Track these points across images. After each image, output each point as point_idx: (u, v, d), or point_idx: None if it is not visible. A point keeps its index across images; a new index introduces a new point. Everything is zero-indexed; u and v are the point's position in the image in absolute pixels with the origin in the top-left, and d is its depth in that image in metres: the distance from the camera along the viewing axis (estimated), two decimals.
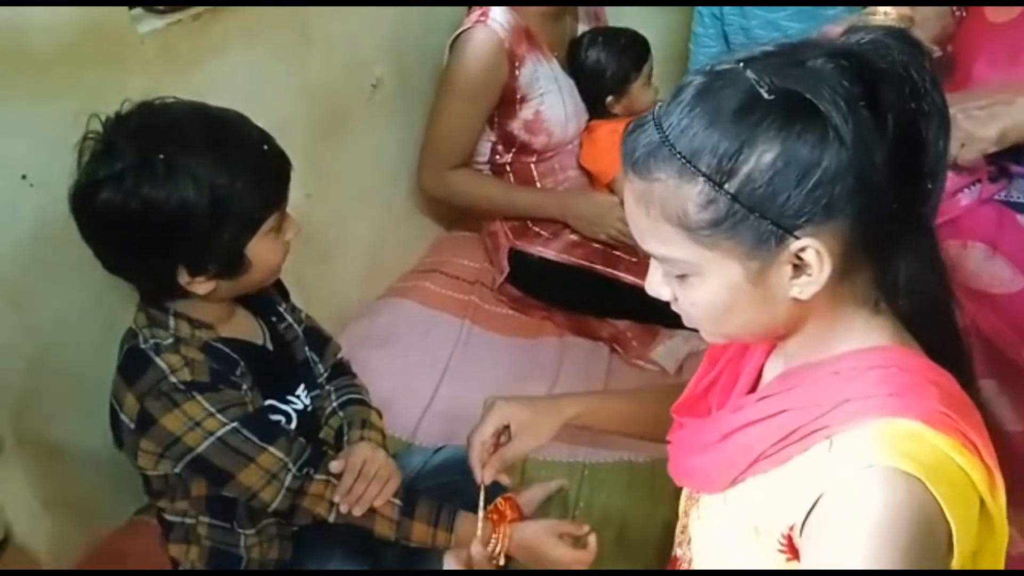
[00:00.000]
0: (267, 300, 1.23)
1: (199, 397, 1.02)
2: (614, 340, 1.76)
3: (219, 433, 1.02)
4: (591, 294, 1.80)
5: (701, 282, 0.75)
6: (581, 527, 1.14)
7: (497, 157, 1.87)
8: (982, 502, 0.73)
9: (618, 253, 1.82)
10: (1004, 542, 0.77)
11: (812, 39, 0.74)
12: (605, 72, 1.84)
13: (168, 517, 1.15)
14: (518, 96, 1.77)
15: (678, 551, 1.00)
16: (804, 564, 0.73)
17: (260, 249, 1.05)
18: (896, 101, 0.69)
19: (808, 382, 0.78)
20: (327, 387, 1.26)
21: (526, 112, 1.78)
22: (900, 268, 0.76)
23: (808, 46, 0.71)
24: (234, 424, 1.03)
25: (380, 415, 1.28)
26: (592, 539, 1.12)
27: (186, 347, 1.06)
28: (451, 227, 2.09)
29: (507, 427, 1.11)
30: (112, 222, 0.97)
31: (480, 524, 1.10)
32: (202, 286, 1.04)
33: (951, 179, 1.27)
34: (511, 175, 1.88)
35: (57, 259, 1.17)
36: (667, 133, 0.72)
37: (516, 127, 1.81)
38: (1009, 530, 0.94)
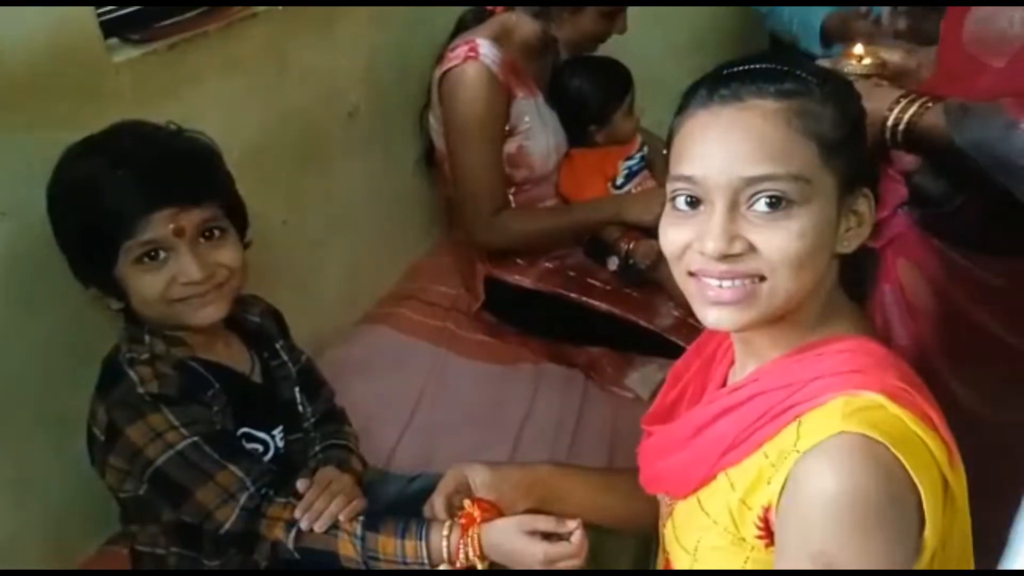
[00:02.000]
0: (262, 332, 1.23)
1: (164, 409, 1.03)
2: (589, 367, 1.77)
3: (179, 446, 1.02)
4: (566, 321, 1.81)
5: (805, 210, 0.76)
6: (562, 522, 1.00)
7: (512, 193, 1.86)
8: (944, 481, 0.76)
9: (592, 281, 1.83)
10: (968, 523, 0.81)
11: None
12: (587, 102, 1.86)
13: (139, 548, 1.15)
14: (507, 129, 1.78)
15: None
16: (778, 539, 0.76)
17: (129, 277, 1.03)
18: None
19: (779, 369, 0.82)
20: (313, 434, 1.25)
21: (509, 146, 1.79)
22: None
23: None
24: (195, 439, 1.02)
25: (364, 464, 1.27)
26: (578, 534, 0.99)
27: (160, 362, 1.07)
28: (427, 253, 2.09)
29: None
30: None
31: (445, 533, 1.01)
32: (107, 300, 1.07)
33: (891, 196, 1.29)
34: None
35: (29, 290, 1.17)
36: (801, 68, 0.81)
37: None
38: None
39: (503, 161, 1.78)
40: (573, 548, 0.97)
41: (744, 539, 0.81)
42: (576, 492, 1.04)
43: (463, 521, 1.01)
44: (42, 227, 1.07)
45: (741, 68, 0.80)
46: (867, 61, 1.21)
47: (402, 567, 1.01)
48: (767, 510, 0.78)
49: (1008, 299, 1.19)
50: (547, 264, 1.85)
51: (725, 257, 0.77)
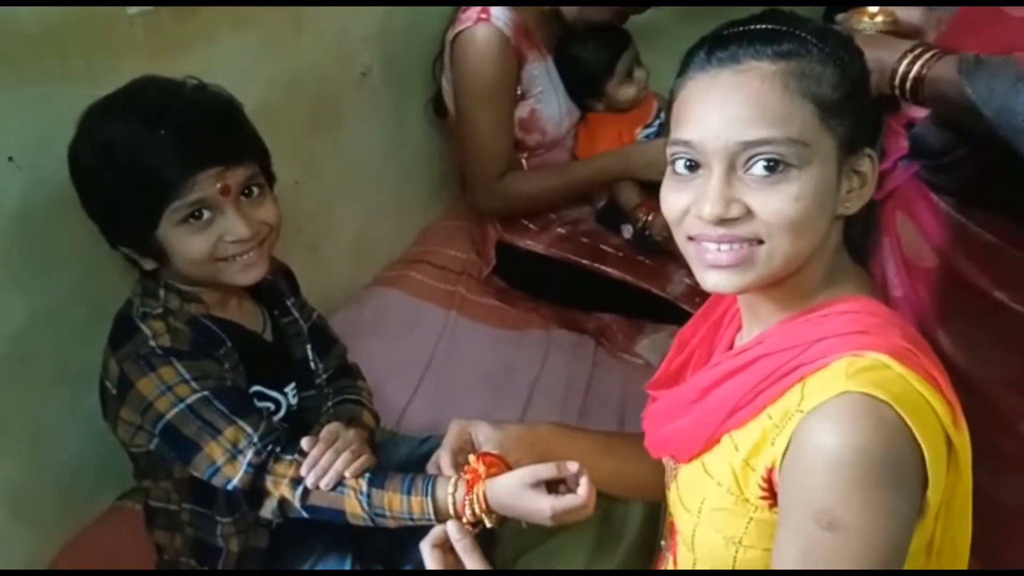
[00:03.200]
0: (275, 291, 1.23)
1: (175, 363, 1.03)
2: (600, 333, 1.77)
3: (189, 400, 1.02)
4: (578, 287, 1.81)
5: (804, 173, 0.76)
6: (563, 466, 0.96)
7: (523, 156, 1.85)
8: (948, 441, 0.77)
9: (605, 248, 1.83)
10: (970, 483, 0.81)
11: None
12: (582, 72, 1.81)
13: (152, 503, 1.16)
14: (518, 93, 1.76)
15: (662, 543, 1.01)
16: (781, 499, 0.77)
17: (173, 238, 1.02)
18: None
19: (784, 331, 0.82)
20: (326, 389, 1.25)
21: (522, 110, 1.77)
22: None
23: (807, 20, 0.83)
24: (205, 392, 1.02)
25: (377, 419, 1.26)
26: (584, 482, 0.95)
27: (173, 318, 1.07)
28: (439, 217, 2.08)
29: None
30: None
31: (451, 489, 0.99)
32: (142, 260, 1.06)
33: (892, 148, 1.29)
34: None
35: (43, 241, 1.16)
36: (801, 28, 0.79)
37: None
38: None
39: (512, 125, 1.77)
40: (580, 499, 0.94)
41: (748, 500, 0.81)
42: (578, 453, 1.02)
43: (468, 477, 0.99)
44: (56, 181, 1.06)
45: (739, 29, 0.79)
46: (880, 19, 1.19)
47: (409, 523, 1.01)
48: (770, 471, 0.78)
49: (1000, 256, 1.18)
50: (560, 230, 1.85)
51: (722, 221, 0.77)
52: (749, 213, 0.77)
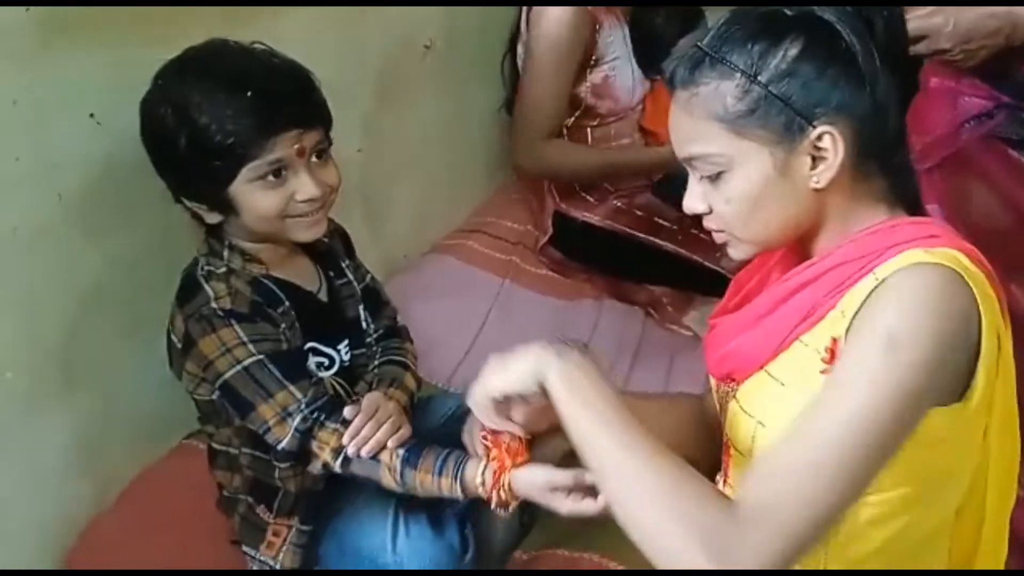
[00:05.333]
0: (330, 252, 1.28)
1: (235, 325, 1.09)
2: (650, 304, 1.80)
3: (246, 362, 1.08)
4: (631, 259, 1.83)
5: (734, 176, 0.85)
6: (580, 478, 0.96)
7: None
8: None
9: (660, 221, 1.85)
10: (1013, 389, 0.87)
11: None
12: (654, 44, 1.82)
13: (215, 445, 1.23)
14: (593, 58, 1.78)
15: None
16: (845, 348, 0.80)
17: (246, 194, 1.07)
18: (882, 31, 0.84)
19: (856, 242, 0.86)
20: (375, 347, 1.30)
21: (595, 76, 1.80)
22: (911, 178, 0.90)
23: None
24: (261, 356, 1.08)
25: (419, 382, 1.30)
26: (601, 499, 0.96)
27: (236, 278, 1.13)
28: (499, 189, 2.13)
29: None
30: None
31: (480, 474, 1.03)
32: (207, 215, 1.11)
33: (952, 112, 1.27)
34: (566, 138, 1.89)
35: (121, 196, 1.24)
36: (707, 48, 0.86)
37: (583, 90, 1.82)
38: None
39: (567, 94, 1.80)
40: (595, 509, 0.96)
41: (813, 389, 0.82)
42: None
43: (495, 467, 1.02)
44: (134, 138, 1.12)
45: (674, 57, 0.88)
46: None
47: (438, 496, 1.07)
48: (835, 340, 0.82)
49: None
50: (616, 202, 1.87)
51: (696, 216, 0.90)
52: (710, 209, 0.89)
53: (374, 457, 1.08)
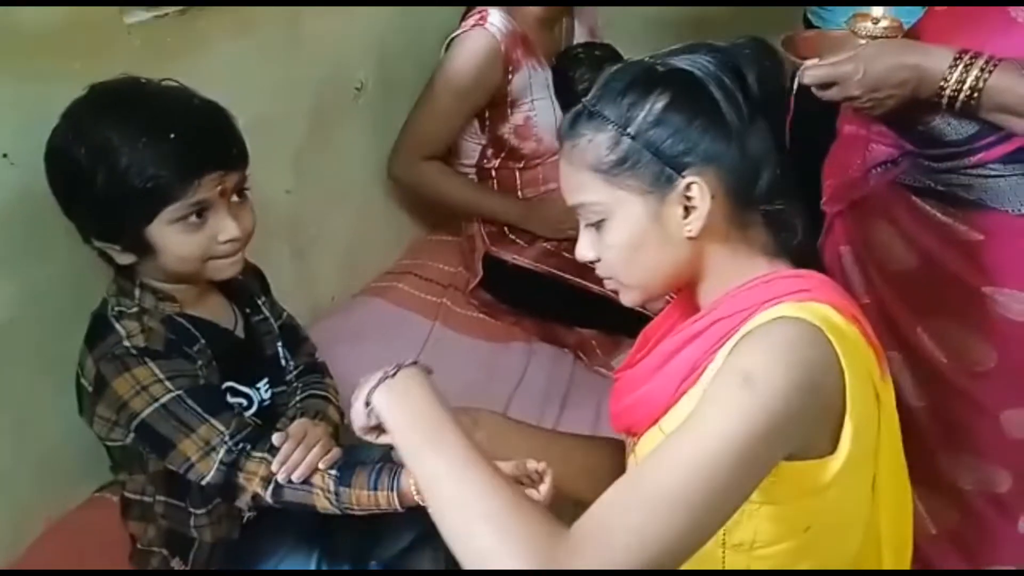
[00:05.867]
0: (245, 290, 1.26)
1: (150, 363, 1.06)
2: (579, 347, 1.81)
3: (163, 399, 1.05)
4: (560, 302, 1.84)
5: (613, 224, 0.89)
6: (522, 467, 0.97)
7: (484, 161, 1.91)
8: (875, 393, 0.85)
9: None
10: (898, 438, 0.91)
11: (703, 42, 0.91)
12: (577, 88, 1.86)
13: (128, 495, 1.19)
14: (509, 100, 1.81)
15: None
16: (706, 389, 0.80)
17: (166, 236, 1.05)
18: (754, 84, 0.88)
19: (734, 296, 0.89)
20: (295, 384, 1.28)
21: (517, 117, 1.83)
22: (794, 228, 0.92)
23: (699, 45, 0.91)
24: (179, 392, 1.05)
25: (342, 415, 1.27)
26: (547, 481, 0.97)
27: (148, 317, 1.10)
28: (430, 231, 2.12)
29: None
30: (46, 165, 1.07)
31: (413, 481, 1.00)
32: (119, 255, 1.08)
33: (863, 158, 1.32)
34: (495, 181, 1.92)
35: (32, 236, 1.20)
36: (586, 102, 0.91)
37: (506, 131, 1.85)
38: (916, 507, 1.01)
39: (459, 128, 1.86)
40: (541, 498, 0.95)
41: None
42: (518, 442, 1.07)
43: None
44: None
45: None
46: (884, 24, 1.20)
47: (377, 512, 1.03)
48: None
49: (986, 251, 1.23)
50: (545, 244, 1.88)
51: (589, 263, 0.94)
52: (598, 256, 0.93)
53: (306, 482, 1.04)
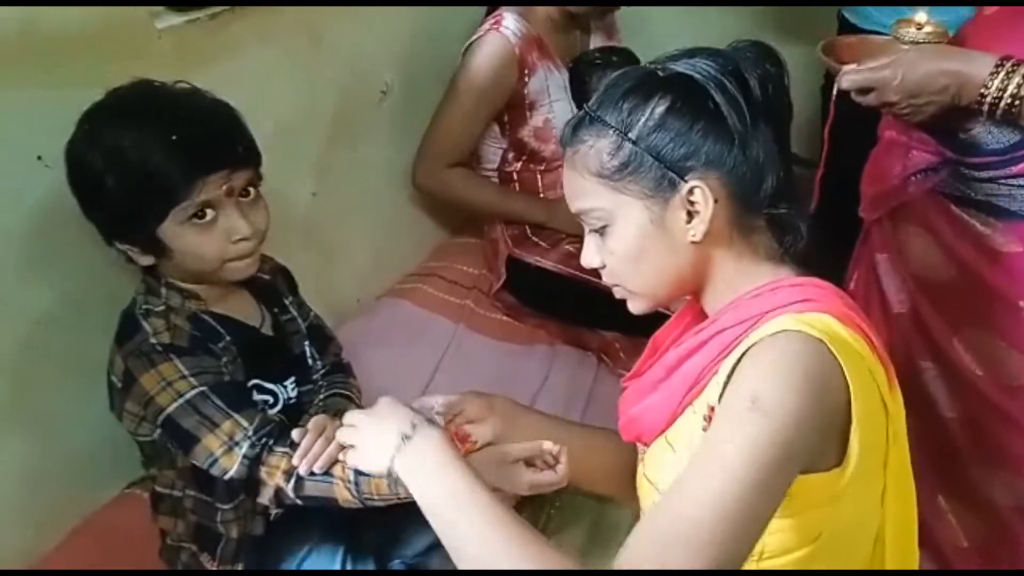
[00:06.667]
0: (272, 289, 1.28)
1: (175, 359, 1.08)
2: (602, 350, 1.81)
3: (188, 395, 1.06)
4: (583, 304, 1.83)
5: (616, 230, 0.89)
6: (535, 445, 1.02)
7: (506, 165, 1.92)
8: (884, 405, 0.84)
9: None
10: (906, 451, 0.90)
11: (704, 47, 0.91)
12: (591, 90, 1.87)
13: (158, 489, 1.21)
14: (527, 103, 1.82)
15: None
16: (716, 413, 0.81)
17: (178, 237, 1.08)
18: (756, 88, 0.88)
19: (737, 307, 0.89)
20: (320, 383, 1.30)
21: (536, 119, 1.84)
22: (798, 230, 0.91)
23: (700, 49, 0.91)
24: (203, 388, 1.07)
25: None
26: (563, 461, 1.01)
27: (174, 315, 1.12)
28: (454, 233, 2.14)
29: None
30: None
31: None
32: (139, 257, 1.11)
33: (903, 165, 1.30)
34: (517, 184, 1.93)
35: (65, 238, 1.22)
36: (588, 108, 0.92)
37: (526, 134, 1.86)
38: (947, 519, 1.00)
39: (479, 132, 1.86)
40: (558, 478, 0.99)
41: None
42: (531, 427, 1.09)
43: None
44: None
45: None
46: (927, 29, 1.19)
47: (397, 502, 1.03)
48: (712, 408, 0.83)
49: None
50: (568, 247, 1.89)
51: (595, 270, 0.95)
52: (604, 263, 0.94)
53: (327, 473, 1.05)
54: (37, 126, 1.16)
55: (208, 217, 1.08)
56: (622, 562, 0.74)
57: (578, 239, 1.87)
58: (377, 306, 1.88)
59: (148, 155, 1.04)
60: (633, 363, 1.74)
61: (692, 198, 0.86)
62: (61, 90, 1.17)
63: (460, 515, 0.80)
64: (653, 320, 1.74)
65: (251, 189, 1.14)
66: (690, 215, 0.87)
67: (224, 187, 1.08)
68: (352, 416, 0.98)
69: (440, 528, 0.81)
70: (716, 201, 0.86)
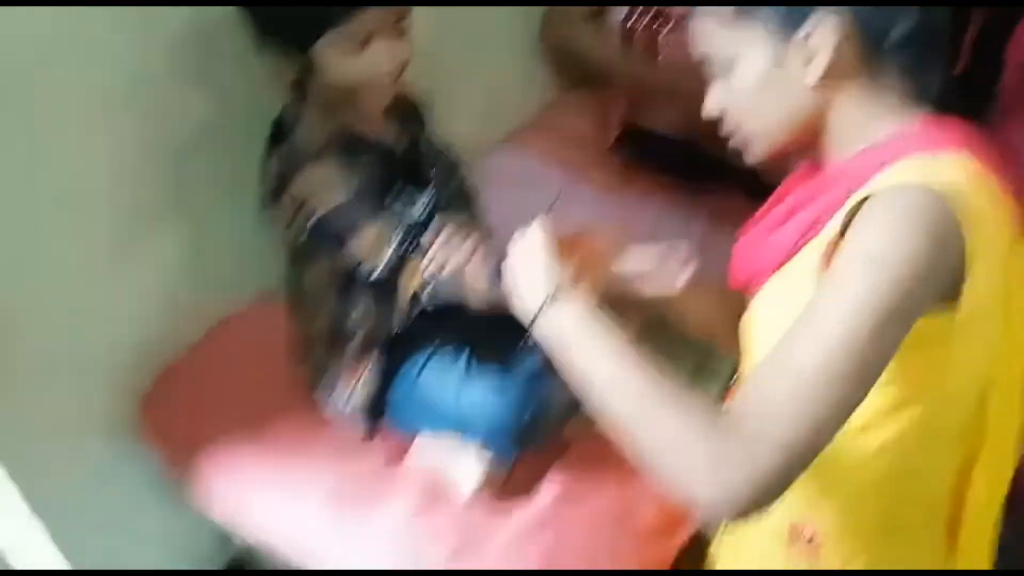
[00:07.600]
0: (410, 114, 1.34)
1: (325, 165, 1.15)
2: (714, 214, 1.81)
3: (338, 199, 1.14)
4: (697, 167, 1.84)
5: (737, 70, 0.88)
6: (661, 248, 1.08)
7: (630, 21, 1.89)
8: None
9: None
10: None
11: None
12: None
13: (296, 290, 1.30)
14: None
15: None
16: (833, 262, 0.81)
17: (327, 58, 1.13)
18: None
19: (859, 155, 0.87)
20: (450, 204, 1.34)
21: None
22: (935, 72, 0.87)
23: None
24: (352, 195, 1.14)
25: (488, 234, 1.34)
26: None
27: (320, 127, 1.19)
28: (569, 88, 2.13)
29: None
30: None
31: None
32: (286, 71, 1.16)
33: None
34: (639, 43, 1.90)
35: (216, 52, 1.29)
36: None
37: None
38: None
39: None
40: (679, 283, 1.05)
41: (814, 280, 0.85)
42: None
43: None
44: None
45: None
46: None
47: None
48: (830, 245, 0.83)
49: None
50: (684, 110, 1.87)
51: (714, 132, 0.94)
52: (723, 112, 0.92)
53: (458, 278, 1.11)
54: None
55: (362, 40, 1.13)
56: (739, 405, 0.76)
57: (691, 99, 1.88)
58: (491, 153, 1.92)
59: None
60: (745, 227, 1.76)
61: (815, 36, 0.84)
62: None
63: (610, 359, 0.82)
64: (768, 187, 1.75)
65: (403, 22, 1.18)
66: (812, 54, 0.85)
67: (379, 18, 1.13)
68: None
69: (590, 371, 0.84)
70: (842, 40, 0.83)
